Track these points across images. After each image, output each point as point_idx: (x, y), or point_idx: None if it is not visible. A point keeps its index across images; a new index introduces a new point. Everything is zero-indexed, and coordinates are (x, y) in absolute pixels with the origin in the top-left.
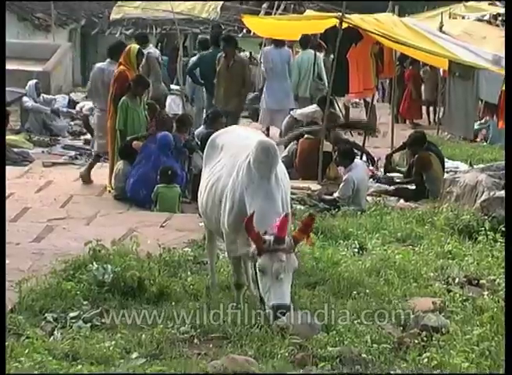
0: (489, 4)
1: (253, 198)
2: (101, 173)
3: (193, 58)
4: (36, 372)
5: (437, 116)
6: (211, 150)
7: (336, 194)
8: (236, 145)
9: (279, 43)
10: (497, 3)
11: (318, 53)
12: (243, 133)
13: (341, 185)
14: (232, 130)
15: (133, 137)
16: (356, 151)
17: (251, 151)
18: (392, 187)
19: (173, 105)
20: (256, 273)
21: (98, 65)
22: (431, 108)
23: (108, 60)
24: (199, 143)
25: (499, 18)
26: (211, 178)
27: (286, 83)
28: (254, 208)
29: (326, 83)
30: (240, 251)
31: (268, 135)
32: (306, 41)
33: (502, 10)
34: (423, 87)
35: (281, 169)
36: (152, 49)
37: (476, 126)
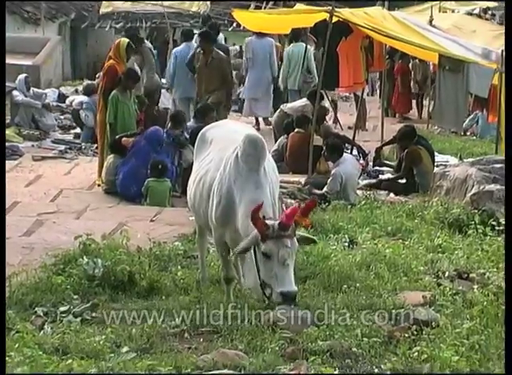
0: None
1: (242, 190)
2: (90, 168)
3: (177, 49)
4: (25, 367)
5: (426, 109)
6: (201, 144)
7: (324, 189)
8: (224, 139)
9: (261, 33)
10: None
11: (308, 46)
12: (232, 127)
13: (329, 180)
14: (223, 124)
15: (123, 135)
16: (346, 145)
17: (239, 145)
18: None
19: (164, 99)
20: (256, 257)
21: None
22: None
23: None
24: (187, 137)
25: (489, 12)
26: (199, 172)
27: (266, 72)
28: (245, 199)
29: (316, 77)
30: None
31: (258, 129)
32: (297, 34)
33: (491, 4)
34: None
35: (270, 163)
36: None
37: (467, 122)
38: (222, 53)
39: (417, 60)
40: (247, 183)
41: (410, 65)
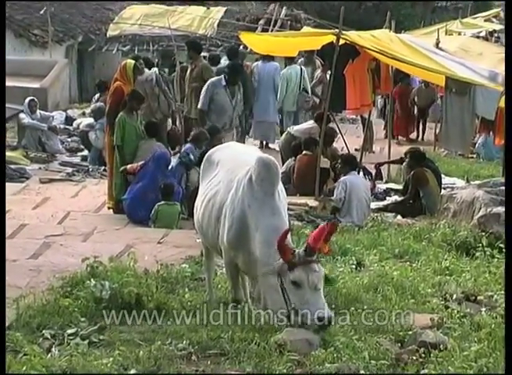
0: (485, 20)
1: (258, 215)
2: (97, 190)
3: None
4: None
5: (433, 131)
6: (208, 166)
7: (333, 198)
8: (232, 161)
9: (266, 57)
10: (493, 19)
11: (303, 68)
12: (239, 148)
13: (335, 189)
14: (229, 145)
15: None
16: None
17: (252, 168)
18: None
19: (169, 121)
20: (283, 288)
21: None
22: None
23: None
24: (191, 158)
25: (495, 34)
26: (207, 193)
27: (271, 95)
28: (262, 225)
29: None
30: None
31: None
32: (292, 57)
33: (497, 27)
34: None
35: (280, 185)
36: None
37: (480, 147)
38: (205, 61)
39: (422, 84)
40: (263, 208)
41: (416, 89)
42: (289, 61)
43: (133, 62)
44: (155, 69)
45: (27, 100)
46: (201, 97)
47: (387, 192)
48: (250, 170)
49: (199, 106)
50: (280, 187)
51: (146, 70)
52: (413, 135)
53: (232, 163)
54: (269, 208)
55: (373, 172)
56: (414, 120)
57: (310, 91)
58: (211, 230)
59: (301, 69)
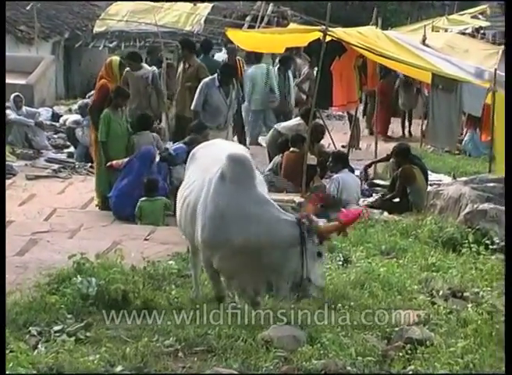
0: (472, 17)
1: (243, 208)
2: (84, 187)
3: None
4: None
5: (419, 128)
6: (190, 163)
7: None
8: (210, 159)
9: (251, 58)
10: (479, 16)
11: (270, 67)
12: (222, 146)
13: (327, 186)
14: (214, 143)
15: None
16: None
17: (224, 166)
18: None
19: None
20: (304, 253)
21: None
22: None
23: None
24: (171, 153)
25: (481, 31)
26: (184, 192)
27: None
28: (257, 214)
29: (278, 96)
30: None
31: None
32: (259, 55)
33: (484, 23)
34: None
35: (260, 179)
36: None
37: (468, 145)
38: (199, 61)
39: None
40: (245, 200)
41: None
42: (257, 60)
43: (118, 59)
44: (154, 68)
45: (12, 96)
46: (195, 98)
47: (373, 189)
48: (220, 168)
49: (192, 107)
50: (260, 178)
51: (145, 66)
52: (395, 133)
53: (210, 162)
54: (255, 197)
55: (358, 171)
56: (391, 117)
57: (276, 91)
58: (188, 230)
59: (267, 68)
